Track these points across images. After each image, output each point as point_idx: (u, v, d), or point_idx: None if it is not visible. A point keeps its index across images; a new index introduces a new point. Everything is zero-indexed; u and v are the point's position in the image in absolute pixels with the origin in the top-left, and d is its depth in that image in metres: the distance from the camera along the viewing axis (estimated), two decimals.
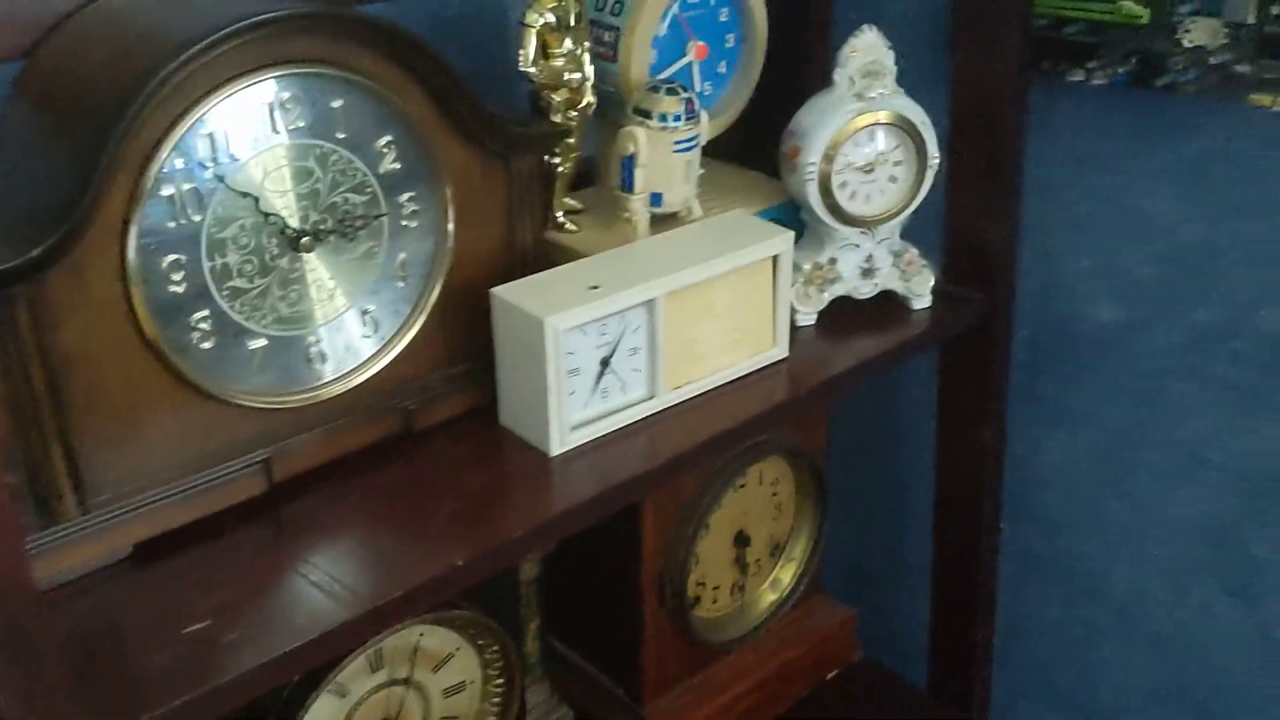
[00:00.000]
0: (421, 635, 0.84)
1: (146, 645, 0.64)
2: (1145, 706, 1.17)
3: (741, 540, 1.08)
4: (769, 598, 1.13)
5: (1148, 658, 1.15)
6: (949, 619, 1.18)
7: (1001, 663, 1.21)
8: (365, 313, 0.78)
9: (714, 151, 0.99)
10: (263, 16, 0.66)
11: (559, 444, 0.80)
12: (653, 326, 0.83)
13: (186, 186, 0.67)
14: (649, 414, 0.85)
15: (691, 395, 0.87)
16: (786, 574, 1.13)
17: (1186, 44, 0.97)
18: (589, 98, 0.91)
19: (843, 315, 0.97)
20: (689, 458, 0.83)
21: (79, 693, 0.57)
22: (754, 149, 1.06)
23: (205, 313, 0.70)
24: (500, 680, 0.91)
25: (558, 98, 0.89)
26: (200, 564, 0.70)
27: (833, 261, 0.96)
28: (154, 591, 0.68)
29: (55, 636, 0.54)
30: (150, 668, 0.63)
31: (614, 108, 0.96)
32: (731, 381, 0.89)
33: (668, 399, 0.86)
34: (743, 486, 1.05)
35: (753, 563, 1.10)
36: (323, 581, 0.68)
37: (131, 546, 0.70)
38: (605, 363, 0.82)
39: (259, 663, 0.63)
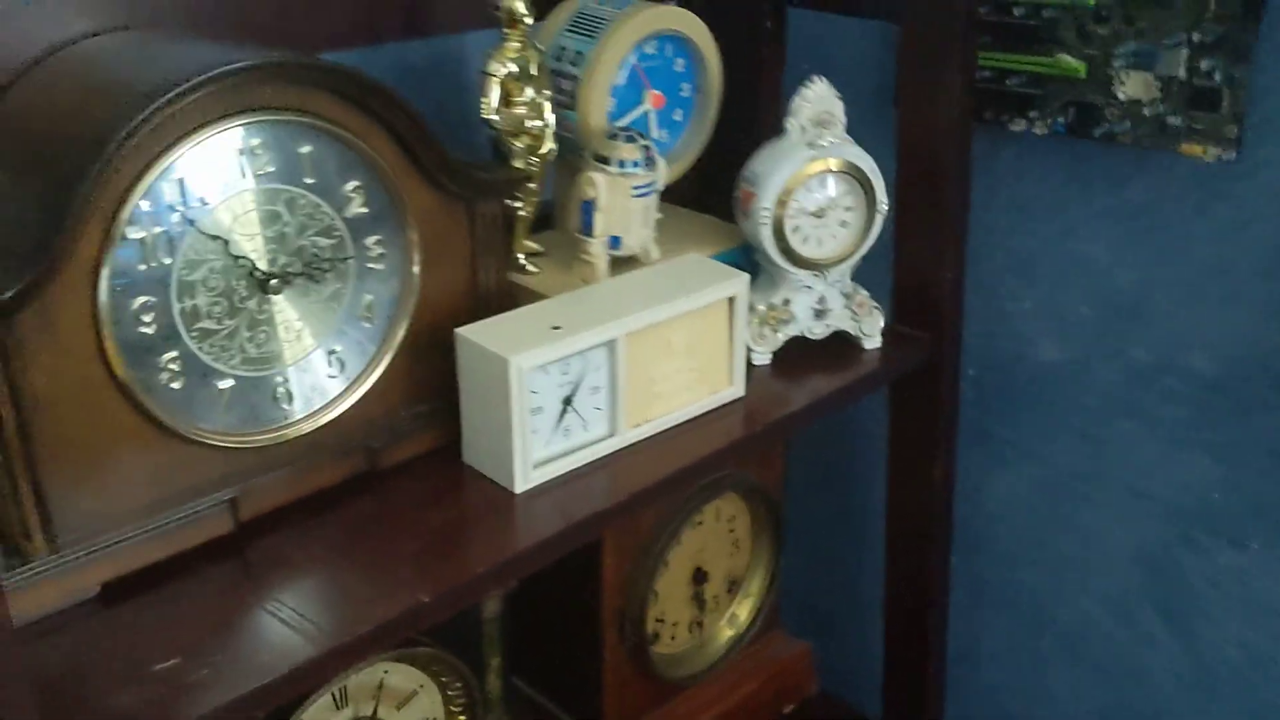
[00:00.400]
0: (386, 673, 0.85)
1: (114, 685, 0.64)
2: None
3: (699, 576, 1.10)
4: (727, 633, 1.14)
5: (1093, 683, 1.18)
6: (902, 650, 1.20)
7: (953, 691, 1.23)
8: (332, 353, 0.79)
9: (670, 196, 1.02)
10: (232, 65, 0.68)
11: (523, 481, 0.82)
12: (614, 366, 0.85)
13: (157, 230, 0.68)
14: (610, 451, 0.87)
15: (651, 433, 0.89)
16: (744, 610, 1.15)
17: (1121, 96, 1.02)
18: (549, 144, 0.93)
19: (796, 355, 1.00)
20: (649, 494, 0.85)
21: None
22: (708, 194, 1.09)
23: (174, 354, 0.71)
24: (463, 717, 0.91)
25: (519, 144, 0.92)
26: (167, 603, 0.71)
27: (786, 303, 0.99)
28: (121, 630, 0.69)
29: (24, 677, 0.54)
30: (118, 707, 0.63)
31: (573, 153, 0.98)
32: (690, 420, 0.91)
33: (628, 437, 0.88)
34: (700, 523, 1.07)
35: (710, 599, 1.12)
36: (290, 619, 0.69)
37: (99, 586, 0.70)
38: (567, 401, 0.84)
39: (227, 700, 0.63)
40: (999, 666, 1.25)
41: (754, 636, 1.15)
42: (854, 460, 1.31)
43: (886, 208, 0.98)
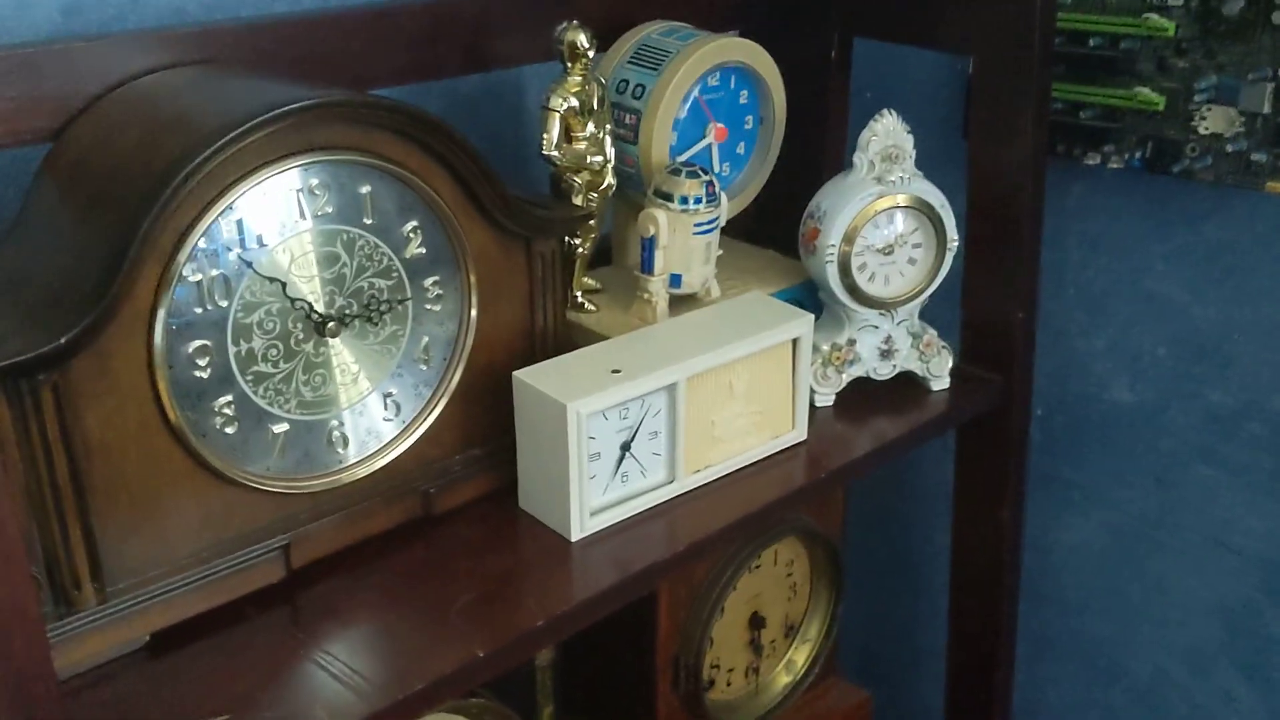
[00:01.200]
0: None
1: None
2: None
3: (756, 622, 1.07)
4: (783, 679, 1.11)
5: None
6: (964, 702, 1.16)
7: None
8: (388, 396, 0.77)
9: (729, 230, 0.99)
10: (294, 105, 0.66)
11: (579, 529, 0.79)
12: (673, 410, 0.82)
13: (214, 272, 0.67)
14: (668, 498, 0.84)
15: (710, 479, 0.86)
16: (801, 655, 1.12)
17: (1202, 131, 0.98)
18: (610, 180, 0.91)
19: (860, 396, 0.97)
20: (709, 543, 0.82)
21: None
22: (769, 227, 1.06)
23: (229, 398, 0.69)
24: None
25: (579, 180, 0.89)
26: (217, 653, 0.69)
27: (851, 343, 0.96)
28: (170, 683, 0.67)
29: None
30: None
31: (633, 188, 0.96)
32: (750, 465, 0.89)
33: (687, 483, 0.85)
34: (758, 568, 1.04)
35: (767, 644, 1.09)
36: (342, 673, 0.67)
37: (148, 635, 0.69)
38: (626, 447, 0.81)
39: None
40: None
41: (811, 683, 1.12)
42: (915, 502, 1.27)
43: (956, 244, 0.95)
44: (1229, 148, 0.97)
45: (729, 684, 1.07)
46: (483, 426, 0.82)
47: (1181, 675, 1.11)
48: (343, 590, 0.75)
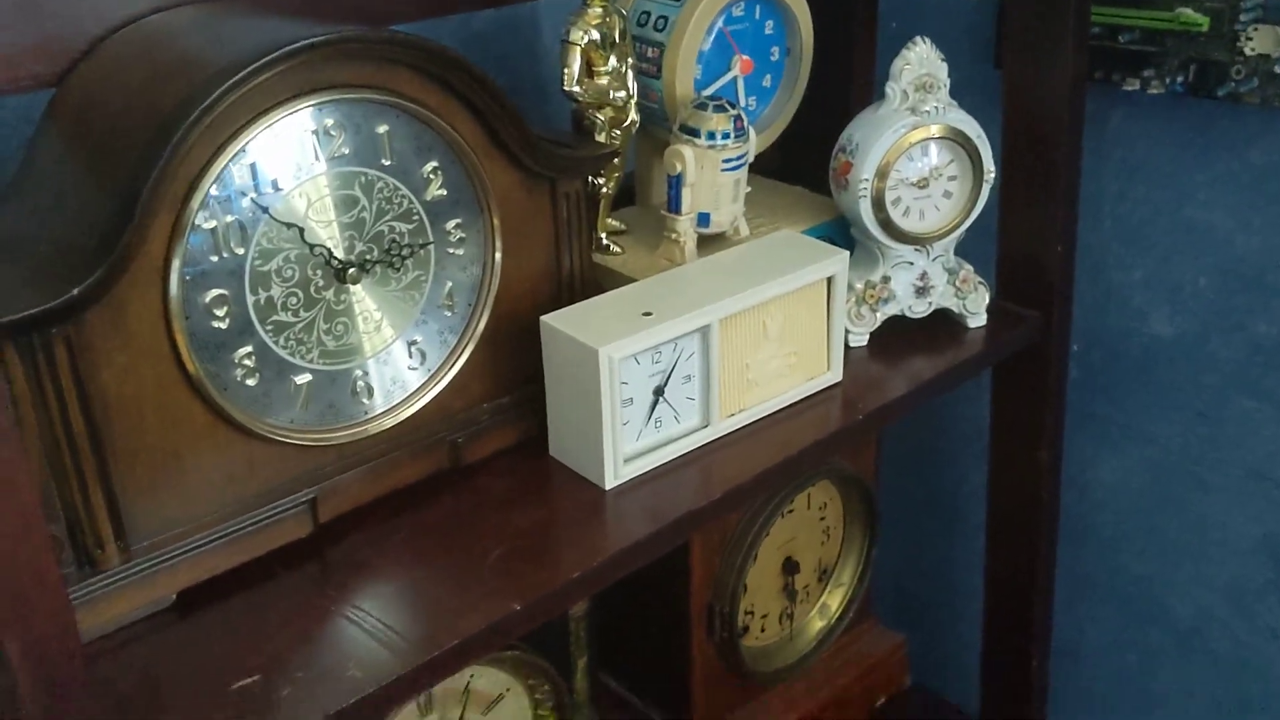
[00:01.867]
0: (472, 676, 0.82)
1: (193, 703, 0.61)
2: None
3: (790, 567, 1.05)
4: (817, 624, 1.10)
5: (1208, 680, 1.12)
6: (1001, 643, 1.14)
7: (1055, 688, 1.17)
8: (412, 344, 0.75)
9: (755, 166, 0.96)
10: (306, 41, 0.63)
11: (613, 477, 0.77)
12: (707, 353, 0.80)
13: (229, 219, 0.64)
14: (703, 444, 0.82)
15: (745, 423, 0.84)
16: (835, 600, 1.10)
17: (1248, 52, 0.94)
18: (633, 116, 0.88)
19: (894, 335, 0.94)
20: (746, 489, 0.80)
21: None
22: (796, 163, 1.03)
23: (249, 349, 0.67)
24: (551, 718, 0.88)
25: (602, 117, 0.86)
26: (245, 612, 0.67)
27: (886, 280, 0.93)
28: (198, 643, 0.65)
29: (97, 696, 0.51)
30: None
31: (657, 124, 0.93)
32: (785, 408, 0.86)
33: (721, 428, 0.83)
34: (790, 512, 1.02)
35: (801, 589, 1.07)
36: (375, 630, 0.65)
37: (175, 595, 0.67)
38: (659, 392, 0.79)
39: None
40: (1104, 662, 1.18)
41: (846, 628, 1.10)
42: (949, 442, 1.25)
43: (994, 176, 0.91)
44: (1277, 69, 0.93)
45: (763, 630, 1.05)
46: (510, 374, 0.80)
47: (1224, 613, 1.09)
48: (372, 545, 0.73)
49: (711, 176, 0.87)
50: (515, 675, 0.84)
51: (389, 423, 0.74)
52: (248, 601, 0.68)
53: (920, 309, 0.95)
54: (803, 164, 1.01)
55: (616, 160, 0.89)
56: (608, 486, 0.77)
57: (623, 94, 0.86)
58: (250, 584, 0.69)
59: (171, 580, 0.66)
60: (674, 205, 0.87)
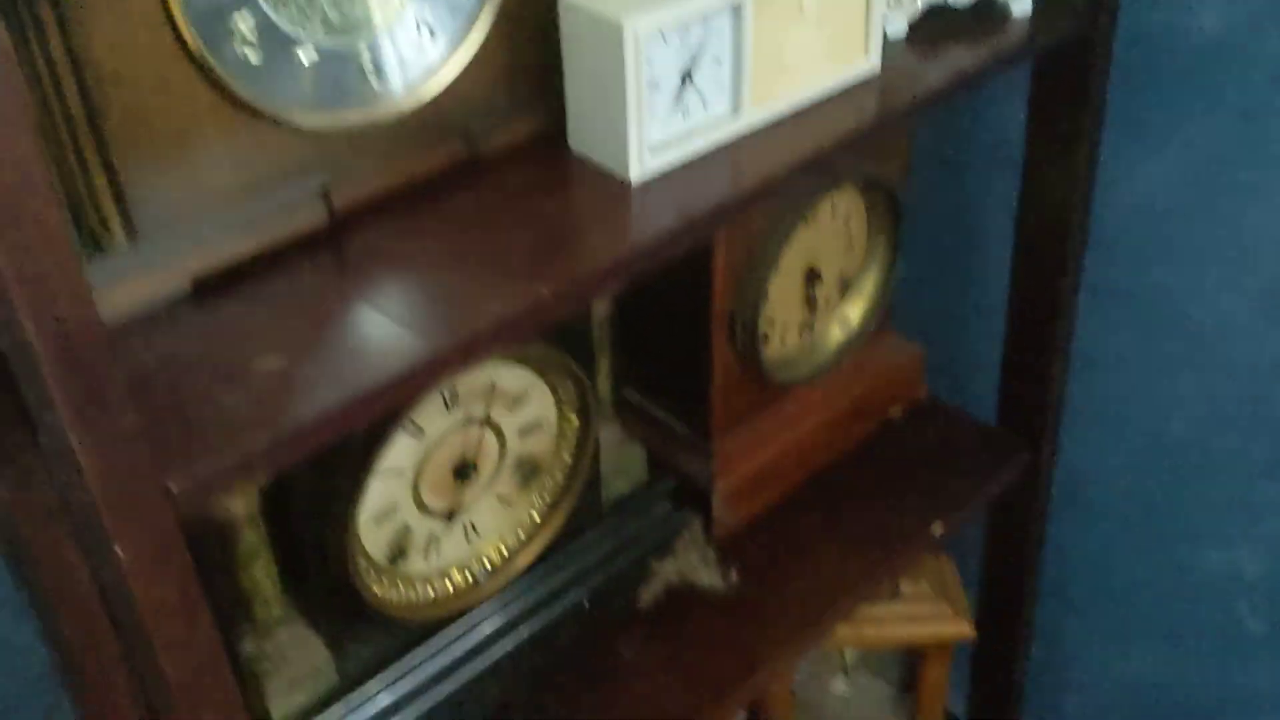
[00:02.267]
0: (496, 373, 0.80)
1: (216, 383, 0.59)
2: (1221, 432, 1.14)
3: (811, 276, 1.03)
4: (837, 335, 1.08)
5: (1228, 386, 1.11)
6: (1022, 356, 1.14)
7: (1071, 396, 1.17)
8: (423, 22, 0.69)
9: None
10: None
11: (638, 166, 0.73)
12: (739, 33, 0.74)
13: None
14: (733, 134, 0.77)
15: (778, 112, 0.79)
16: (855, 311, 1.09)
17: None
18: None
19: (933, 26, 0.88)
20: (777, 182, 0.76)
21: (153, 437, 0.52)
22: None
23: (250, 20, 0.62)
24: (575, 419, 0.87)
25: None
26: (265, 301, 0.65)
27: None
28: (218, 329, 0.63)
29: (121, 378, 0.49)
30: (222, 407, 0.58)
31: None
32: (820, 98, 0.81)
33: (752, 116, 0.78)
34: (814, 220, 0.99)
35: (822, 300, 1.05)
36: (399, 315, 0.63)
37: (190, 282, 0.64)
38: (687, 75, 0.74)
39: (339, 399, 0.58)
40: (1123, 369, 1.18)
41: (865, 339, 1.09)
42: (975, 153, 1.20)
43: None
44: None
45: (783, 341, 1.04)
46: (528, 60, 0.74)
47: (1250, 319, 1.07)
48: (392, 237, 0.69)
49: None
50: (538, 373, 0.83)
51: (401, 107, 0.70)
52: (267, 291, 0.65)
53: None
54: None
55: None
56: (633, 177, 0.73)
57: None
58: (268, 274, 0.66)
59: (184, 266, 0.64)
60: None
